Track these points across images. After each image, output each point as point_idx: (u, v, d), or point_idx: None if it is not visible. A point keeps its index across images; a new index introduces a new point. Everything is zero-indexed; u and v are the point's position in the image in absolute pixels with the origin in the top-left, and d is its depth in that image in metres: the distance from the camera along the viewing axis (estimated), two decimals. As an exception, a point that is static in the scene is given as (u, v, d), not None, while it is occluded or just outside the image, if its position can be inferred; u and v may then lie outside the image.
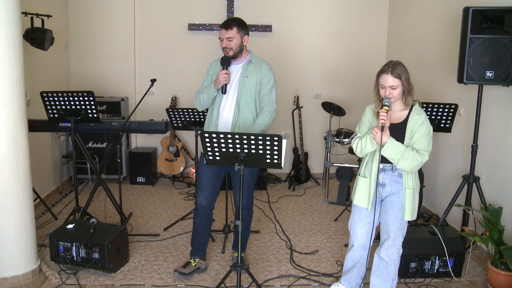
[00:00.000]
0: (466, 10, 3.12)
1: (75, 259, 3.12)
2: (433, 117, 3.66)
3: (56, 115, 3.58)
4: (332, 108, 5.02)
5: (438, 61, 4.36)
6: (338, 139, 4.85)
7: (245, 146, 2.51)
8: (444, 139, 4.21)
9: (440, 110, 3.63)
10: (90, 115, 3.57)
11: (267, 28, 5.49)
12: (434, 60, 4.43)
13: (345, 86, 5.72)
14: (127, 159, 5.46)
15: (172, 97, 5.47)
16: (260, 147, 2.50)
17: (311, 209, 4.63)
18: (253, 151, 2.53)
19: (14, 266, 2.95)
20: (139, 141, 5.79)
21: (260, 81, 2.99)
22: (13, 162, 2.88)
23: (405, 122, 2.55)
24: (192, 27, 5.48)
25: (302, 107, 5.48)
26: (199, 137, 2.70)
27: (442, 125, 3.70)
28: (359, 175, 2.71)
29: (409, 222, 2.82)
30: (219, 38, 2.98)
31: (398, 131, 2.53)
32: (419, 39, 4.77)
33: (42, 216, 4.17)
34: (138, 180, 5.37)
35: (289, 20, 5.59)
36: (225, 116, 3.00)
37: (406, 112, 2.57)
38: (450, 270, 3.11)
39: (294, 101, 5.47)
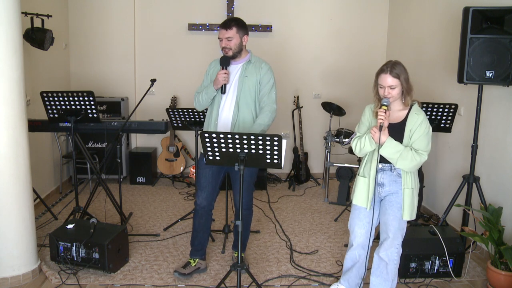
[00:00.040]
0: (466, 10, 3.12)
1: (75, 259, 3.12)
2: (433, 117, 3.66)
3: (56, 115, 3.58)
4: (332, 108, 5.02)
5: (438, 61, 4.36)
6: (338, 139, 4.85)
7: (245, 146, 2.51)
8: (444, 139, 4.21)
9: (440, 110, 3.64)
10: (90, 115, 3.57)
11: (267, 28, 5.49)
12: (434, 60, 4.43)
13: (345, 86, 5.72)
14: (127, 159, 5.46)
15: (172, 97, 5.47)
16: (260, 147, 2.50)
17: (311, 209, 4.63)
18: (253, 151, 2.53)
19: (14, 266, 2.95)
20: (139, 141, 5.79)
21: (260, 81, 2.99)
22: (13, 162, 2.88)
23: (404, 121, 2.55)
24: (192, 27, 5.49)
25: (302, 107, 5.48)
26: (199, 137, 2.70)
27: (442, 125, 3.70)
28: (358, 175, 2.71)
29: (409, 222, 2.83)
30: (219, 38, 2.98)
31: (397, 130, 2.53)
32: (419, 39, 4.77)
33: (42, 216, 4.17)
34: (138, 180, 5.37)
35: (289, 20, 5.59)
36: (224, 116, 3.00)
37: (405, 112, 2.57)
38: (450, 270, 3.11)
39: (294, 101, 5.47)
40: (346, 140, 4.78)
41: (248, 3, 5.47)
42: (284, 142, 2.46)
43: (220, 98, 3.01)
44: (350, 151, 4.75)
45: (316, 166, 5.86)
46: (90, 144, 5.28)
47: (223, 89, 2.97)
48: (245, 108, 2.97)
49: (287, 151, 5.25)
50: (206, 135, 2.54)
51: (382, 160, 2.57)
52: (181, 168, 5.40)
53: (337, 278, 3.07)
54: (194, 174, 3.92)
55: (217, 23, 5.31)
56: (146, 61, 5.57)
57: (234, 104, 2.98)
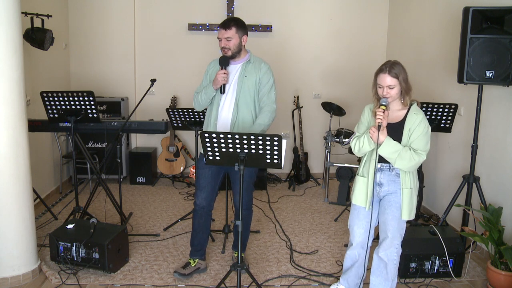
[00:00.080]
0: (466, 10, 3.12)
1: (75, 259, 3.12)
2: (433, 117, 3.66)
3: (56, 115, 3.58)
4: (332, 108, 5.02)
5: (438, 61, 4.36)
6: (338, 139, 4.85)
7: (245, 146, 2.51)
8: (444, 139, 4.21)
9: (440, 110, 3.64)
10: (90, 115, 3.57)
11: (267, 28, 5.49)
12: (434, 60, 4.43)
13: (345, 86, 5.72)
14: (127, 159, 5.46)
15: (172, 97, 5.47)
16: (260, 147, 2.50)
17: (311, 209, 4.63)
18: (253, 151, 2.53)
19: (14, 266, 2.95)
20: (139, 141, 5.79)
21: (259, 80, 2.99)
22: (13, 162, 2.88)
23: (403, 121, 2.55)
24: (192, 27, 5.49)
25: (302, 107, 5.48)
26: (199, 137, 2.70)
27: (442, 125, 3.70)
28: (357, 174, 2.72)
29: (409, 222, 2.83)
30: (218, 38, 2.97)
31: (396, 130, 2.54)
32: (419, 39, 4.77)
33: (42, 216, 4.17)
34: (138, 180, 5.37)
35: (289, 20, 5.59)
36: (224, 116, 3.00)
37: (404, 111, 2.57)
38: (450, 270, 3.11)
39: (294, 101, 5.47)
40: (346, 140, 4.79)
41: (248, 3, 5.47)
42: (284, 142, 2.46)
43: (220, 98, 3.01)
44: (350, 151, 4.74)
45: (316, 166, 5.86)
46: (90, 144, 5.28)
47: (222, 89, 2.97)
48: (244, 108, 2.97)
49: (287, 151, 5.25)
50: (206, 135, 2.54)
51: (381, 160, 2.57)
52: (181, 168, 5.40)
53: (337, 278, 3.07)
54: (194, 174, 3.91)
55: (217, 23, 5.28)
56: (146, 61, 5.57)
57: (234, 104, 2.97)
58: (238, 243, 2.65)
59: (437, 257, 3.10)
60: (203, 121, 3.74)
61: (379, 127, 2.44)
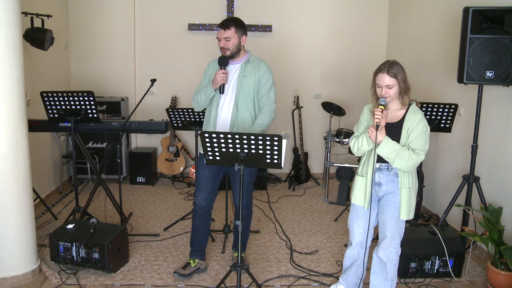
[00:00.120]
0: (466, 10, 3.12)
1: (75, 259, 3.12)
2: (433, 117, 3.66)
3: (56, 115, 3.58)
4: (332, 108, 5.02)
5: (438, 61, 4.36)
6: (338, 139, 4.85)
7: (245, 146, 2.51)
8: (444, 139, 4.21)
9: (440, 110, 3.64)
10: (90, 115, 3.57)
11: (267, 28, 5.49)
12: (434, 60, 4.43)
13: (345, 86, 5.72)
14: (127, 159, 5.46)
15: (172, 97, 5.47)
16: (260, 147, 2.50)
17: (311, 209, 4.63)
18: (253, 151, 2.53)
19: (14, 266, 2.95)
20: (139, 141, 5.79)
21: (259, 80, 2.99)
22: (13, 162, 2.88)
23: (401, 121, 2.55)
24: (192, 27, 5.49)
25: (302, 107, 5.48)
26: (199, 137, 2.70)
27: (442, 125, 3.70)
28: (357, 174, 2.72)
29: (409, 222, 2.82)
30: (217, 38, 2.97)
31: (394, 130, 2.54)
32: (419, 39, 4.77)
33: (42, 216, 4.17)
34: (138, 180, 5.37)
35: (289, 20, 5.59)
36: (223, 116, 3.00)
37: (403, 111, 2.58)
38: (450, 270, 3.11)
39: (294, 101, 5.47)
40: (346, 140, 4.79)
41: (248, 3, 5.47)
42: (284, 142, 2.46)
43: (219, 98, 3.01)
44: (350, 151, 4.72)
45: (316, 166, 5.86)
46: (90, 144, 5.28)
47: (221, 89, 2.97)
48: (244, 108, 2.97)
49: (287, 151, 5.25)
50: (206, 135, 2.54)
51: (380, 159, 2.57)
52: (181, 168, 5.40)
53: (337, 278, 3.06)
54: (194, 174, 3.92)
55: (217, 23, 5.26)
56: (146, 61, 5.57)
57: (233, 104, 2.97)
58: (238, 243, 2.65)
59: (437, 257, 3.10)
60: (203, 121, 3.75)
61: (377, 127, 2.45)
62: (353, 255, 2.76)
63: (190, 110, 3.84)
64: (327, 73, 5.71)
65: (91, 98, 3.48)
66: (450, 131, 3.74)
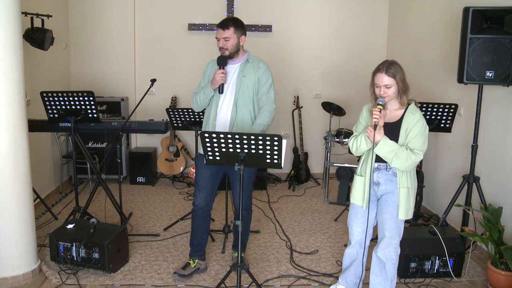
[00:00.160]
0: (466, 10, 3.12)
1: (75, 259, 3.12)
2: (433, 117, 3.66)
3: (56, 115, 3.58)
4: (332, 108, 5.02)
5: (438, 61, 4.36)
6: (338, 139, 4.85)
7: (245, 146, 2.51)
8: (444, 139, 4.21)
9: (440, 110, 3.63)
10: (90, 115, 3.57)
11: (267, 28, 5.49)
12: (434, 60, 4.43)
13: (345, 86, 5.72)
14: (127, 159, 5.46)
15: (172, 97, 5.47)
16: (260, 147, 2.50)
17: (311, 209, 4.63)
18: (253, 151, 2.53)
19: (14, 266, 2.95)
20: (139, 141, 5.79)
21: (258, 80, 2.99)
22: (13, 162, 2.88)
23: (400, 121, 2.55)
24: (192, 27, 5.49)
25: (302, 107, 5.48)
26: (199, 137, 2.70)
27: (442, 125, 3.70)
28: (356, 174, 2.72)
29: (409, 222, 2.82)
30: (216, 38, 2.97)
31: (393, 130, 2.54)
32: (419, 39, 4.77)
33: (42, 216, 4.17)
34: (138, 180, 5.37)
35: (289, 20, 5.59)
36: (222, 116, 2.99)
37: (402, 111, 2.58)
38: (450, 270, 3.11)
39: (294, 101, 5.47)
40: (346, 140, 4.78)
41: (248, 3, 5.47)
42: (284, 142, 2.46)
43: (218, 98, 3.01)
44: (350, 151, 4.74)
45: (316, 166, 5.86)
46: (90, 144, 5.28)
47: (220, 89, 2.97)
48: (243, 107, 2.97)
49: (287, 151, 5.25)
50: (206, 135, 2.54)
51: (378, 159, 2.58)
52: (181, 168, 5.40)
53: (337, 278, 3.06)
54: (194, 174, 3.92)
55: (217, 23, 5.31)
56: (146, 61, 5.57)
57: (232, 104, 2.97)
58: (238, 243, 2.65)
59: (437, 257, 3.10)
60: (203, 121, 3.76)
61: (375, 127, 2.45)
62: (352, 254, 2.76)
63: (190, 110, 3.84)
64: (327, 73, 5.71)
65: (91, 98, 3.48)
66: (450, 131, 3.74)
